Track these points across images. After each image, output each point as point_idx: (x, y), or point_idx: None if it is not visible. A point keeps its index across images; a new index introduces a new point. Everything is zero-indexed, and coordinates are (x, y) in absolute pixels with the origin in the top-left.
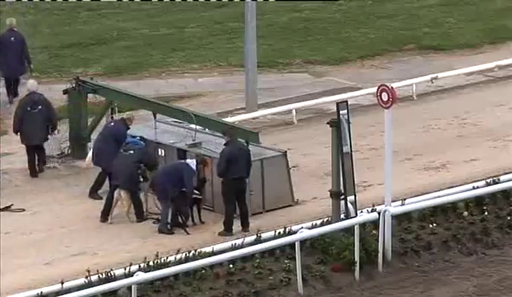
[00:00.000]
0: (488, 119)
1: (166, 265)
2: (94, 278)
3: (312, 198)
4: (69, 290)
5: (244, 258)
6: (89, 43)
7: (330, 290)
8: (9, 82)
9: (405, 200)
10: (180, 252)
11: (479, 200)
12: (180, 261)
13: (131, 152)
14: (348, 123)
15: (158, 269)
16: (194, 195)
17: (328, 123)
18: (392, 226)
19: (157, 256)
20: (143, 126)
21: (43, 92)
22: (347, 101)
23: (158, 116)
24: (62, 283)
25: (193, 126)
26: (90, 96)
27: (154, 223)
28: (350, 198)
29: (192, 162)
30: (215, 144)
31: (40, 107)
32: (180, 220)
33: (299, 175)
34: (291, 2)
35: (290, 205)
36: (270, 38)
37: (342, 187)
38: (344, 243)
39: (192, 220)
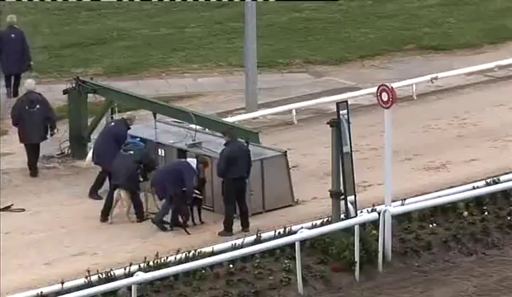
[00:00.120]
0: (488, 119)
1: (166, 265)
2: (94, 278)
3: (312, 198)
4: (69, 290)
5: (244, 258)
6: (89, 43)
7: (330, 290)
8: (9, 79)
9: (405, 200)
10: (180, 252)
11: (479, 200)
12: (180, 261)
13: (131, 152)
14: (348, 123)
15: (158, 269)
16: (195, 195)
17: (328, 123)
18: (392, 226)
19: (157, 256)
20: (143, 126)
21: (43, 92)
22: (347, 101)
23: (158, 116)
24: (62, 283)
25: (193, 126)
26: (90, 96)
27: (153, 223)
28: (350, 198)
29: (192, 162)
30: (215, 144)
31: (38, 106)
32: (180, 220)
33: (299, 175)
34: (291, 2)
35: (290, 205)
36: (270, 38)
37: (342, 187)
38: (344, 243)
39: (192, 220)
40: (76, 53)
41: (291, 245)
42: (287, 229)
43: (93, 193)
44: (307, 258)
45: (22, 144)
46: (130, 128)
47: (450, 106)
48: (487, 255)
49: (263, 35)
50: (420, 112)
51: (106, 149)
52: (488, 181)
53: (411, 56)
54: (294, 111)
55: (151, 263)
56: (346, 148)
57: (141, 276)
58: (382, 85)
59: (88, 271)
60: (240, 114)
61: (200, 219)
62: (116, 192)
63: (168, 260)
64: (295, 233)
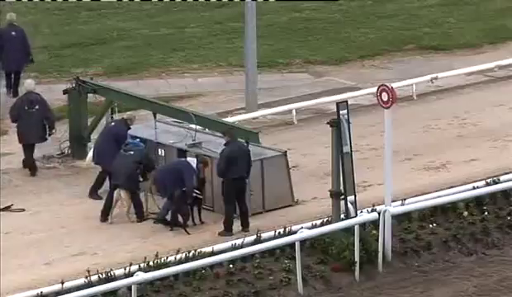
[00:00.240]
0: (488, 119)
1: (166, 265)
2: (94, 278)
3: (312, 198)
4: (69, 290)
5: (244, 258)
6: (89, 43)
7: (330, 290)
8: (9, 77)
9: (405, 200)
10: (180, 252)
11: (479, 200)
12: (180, 261)
13: (131, 152)
14: (348, 123)
15: (158, 269)
16: (195, 195)
17: (328, 123)
18: (392, 226)
19: (157, 256)
20: (143, 126)
21: (43, 92)
22: (347, 101)
23: (158, 116)
24: (62, 283)
25: (193, 126)
26: (90, 96)
27: (154, 223)
28: (350, 198)
29: (192, 161)
30: (215, 144)
31: (37, 107)
32: (180, 220)
33: (299, 175)
34: (291, 2)
35: (290, 205)
36: (270, 38)
37: (342, 187)
38: (344, 243)
39: (192, 220)
40: (76, 53)
41: (291, 245)
42: (287, 229)
43: (93, 193)
44: (307, 258)
45: (20, 144)
46: (130, 128)
47: (450, 106)
48: (487, 255)
49: (263, 35)
50: (420, 112)
51: (107, 149)
52: (488, 181)
53: (411, 56)
54: (294, 111)
55: (151, 263)
56: (346, 148)
57: (141, 276)
58: (382, 85)
59: (88, 271)
60: (240, 114)
61: (200, 219)
62: (116, 192)
63: (168, 260)
64: (295, 233)
